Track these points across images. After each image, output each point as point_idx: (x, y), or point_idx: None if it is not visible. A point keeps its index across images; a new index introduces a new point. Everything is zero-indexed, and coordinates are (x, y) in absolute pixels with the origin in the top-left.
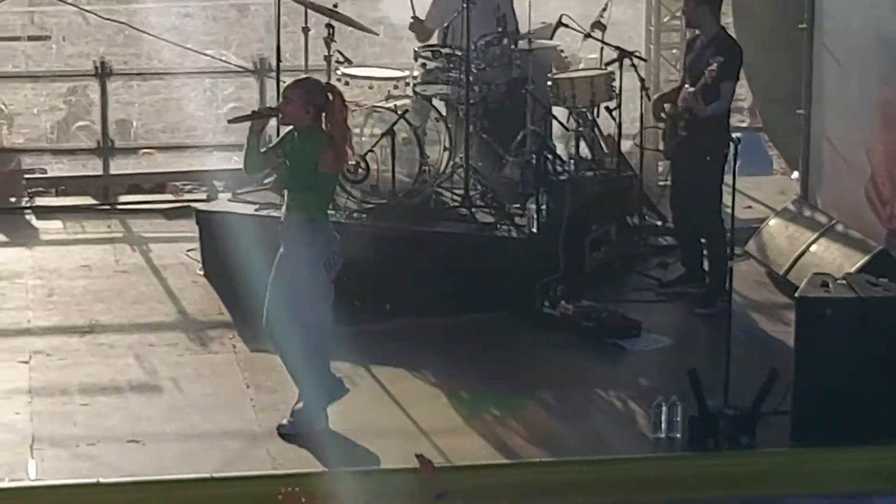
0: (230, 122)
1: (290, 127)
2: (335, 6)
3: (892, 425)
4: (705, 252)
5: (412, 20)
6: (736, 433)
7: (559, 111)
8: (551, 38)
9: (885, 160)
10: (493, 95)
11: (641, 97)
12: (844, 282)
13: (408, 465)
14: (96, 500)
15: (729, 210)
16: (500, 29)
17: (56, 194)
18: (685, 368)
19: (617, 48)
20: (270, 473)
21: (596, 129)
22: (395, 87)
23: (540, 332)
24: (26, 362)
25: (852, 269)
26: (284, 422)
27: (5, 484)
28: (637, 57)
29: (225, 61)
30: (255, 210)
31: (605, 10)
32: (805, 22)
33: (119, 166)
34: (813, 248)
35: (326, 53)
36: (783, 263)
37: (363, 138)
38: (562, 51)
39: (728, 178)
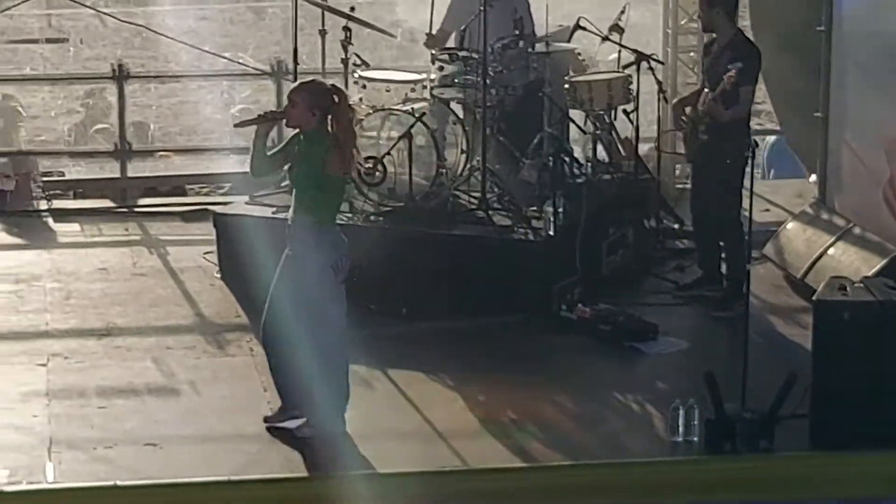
0: (236, 125)
1: (296, 130)
2: (352, 9)
3: None
4: (723, 255)
5: (427, 37)
6: (753, 437)
7: (576, 114)
8: (569, 41)
9: None
10: (510, 98)
11: (659, 100)
12: (862, 285)
13: (425, 469)
14: (114, 503)
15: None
16: (517, 32)
17: (73, 197)
18: (702, 372)
19: (634, 51)
20: (287, 476)
21: (613, 133)
22: (413, 90)
23: (557, 335)
24: (44, 365)
25: (870, 273)
26: (302, 425)
27: (23, 486)
28: (654, 60)
29: (242, 64)
30: (273, 213)
31: (622, 13)
32: (823, 24)
33: (136, 169)
34: (830, 251)
35: (343, 56)
36: (801, 267)
37: (380, 141)
38: (579, 54)
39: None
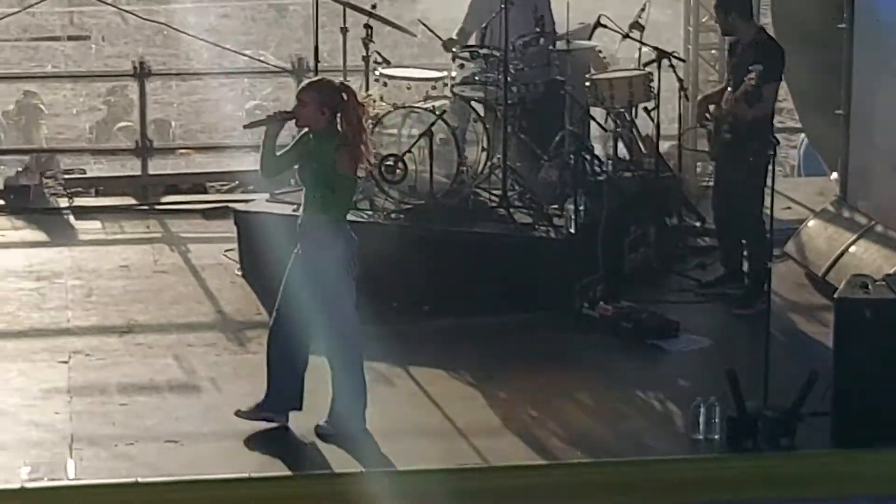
0: (245, 127)
1: (305, 129)
2: (374, 7)
3: None
4: (745, 253)
5: (444, 43)
6: (775, 435)
7: (597, 112)
8: (589, 39)
9: None
10: (531, 96)
11: (680, 98)
12: (884, 283)
13: (445, 466)
14: (134, 500)
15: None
16: (538, 29)
17: (95, 195)
18: (724, 369)
19: (655, 49)
20: (308, 474)
21: (634, 130)
22: (434, 88)
23: (579, 332)
24: (66, 362)
25: (891, 271)
26: (323, 422)
27: (44, 483)
28: (675, 57)
29: (263, 62)
30: (293, 210)
31: (643, 10)
32: (845, 21)
33: (157, 166)
34: (852, 249)
35: (364, 54)
36: (822, 265)
37: (401, 139)
38: (600, 51)
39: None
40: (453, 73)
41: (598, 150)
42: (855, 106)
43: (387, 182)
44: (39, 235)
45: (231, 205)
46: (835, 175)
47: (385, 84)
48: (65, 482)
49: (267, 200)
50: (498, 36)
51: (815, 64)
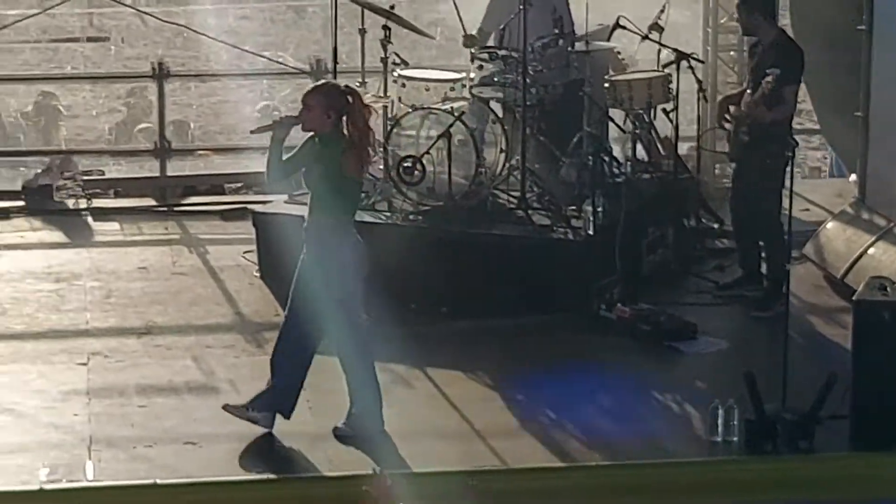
0: (252, 132)
1: (311, 133)
2: (392, 8)
3: None
4: (763, 255)
5: (464, 38)
6: (794, 437)
7: (616, 113)
8: (608, 40)
9: None
10: (549, 97)
11: (699, 99)
12: None
13: (463, 468)
14: (153, 502)
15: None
16: (556, 31)
17: (114, 196)
18: (742, 371)
19: (674, 50)
20: (327, 475)
21: (653, 132)
22: (452, 89)
23: (596, 334)
24: (84, 364)
25: None
26: (341, 424)
27: (63, 485)
28: (694, 59)
29: (282, 63)
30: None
31: (662, 11)
32: (864, 23)
33: (176, 168)
34: (871, 251)
35: (383, 55)
36: (841, 267)
37: (419, 140)
38: (619, 52)
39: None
40: (472, 75)
41: (616, 152)
42: (874, 108)
43: (405, 183)
44: (58, 237)
45: (249, 206)
46: (853, 177)
47: (403, 85)
48: (83, 484)
49: (285, 202)
50: (516, 37)
51: (834, 65)
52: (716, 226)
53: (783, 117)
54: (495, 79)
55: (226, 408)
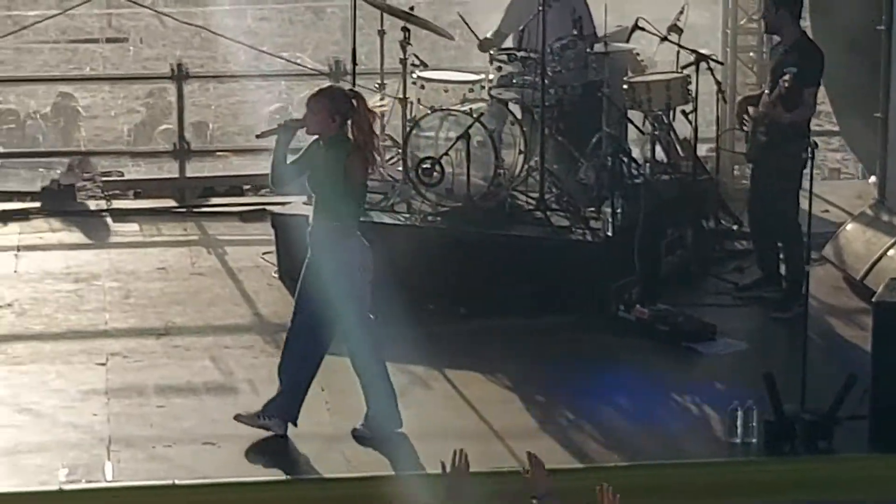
0: (258, 136)
1: (315, 137)
2: (411, 9)
3: None
4: (782, 256)
5: (480, 43)
6: (813, 438)
7: (635, 115)
8: (627, 42)
9: None
10: (568, 98)
11: (717, 101)
12: None
13: (481, 469)
14: (171, 502)
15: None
16: (575, 32)
17: (133, 197)
18: (761, 373)
19: (693, 51)
20: (346, 476)
21: (672, 133)
22: (471, 91)
23: (615, 335)
24: (103, 364)
25: None
26: (359, 425)
27: (82, 485)
28: (713, 60)
29: (300, 64)
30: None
31: (681, 13)
32: (883, 23)
33: (195, 169)
34: (890, 252)
35: (402, 56)
36: (860, 268)
37: (438, 142)
38: (637, 54)
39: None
40: (490, 76)
41: (635, 153)
42: (893, 109)
43: (424, 185)
44: (77, 237)
45: (268, 207)
46: (873, 178)
47: (422, 87)
48: (102, 484)
49: (304, 203)
50: (535, 38)
51: (853, 66)
52: (735, 227)
53: (802, 119)
54: (514, 80)
55: (237, 418)
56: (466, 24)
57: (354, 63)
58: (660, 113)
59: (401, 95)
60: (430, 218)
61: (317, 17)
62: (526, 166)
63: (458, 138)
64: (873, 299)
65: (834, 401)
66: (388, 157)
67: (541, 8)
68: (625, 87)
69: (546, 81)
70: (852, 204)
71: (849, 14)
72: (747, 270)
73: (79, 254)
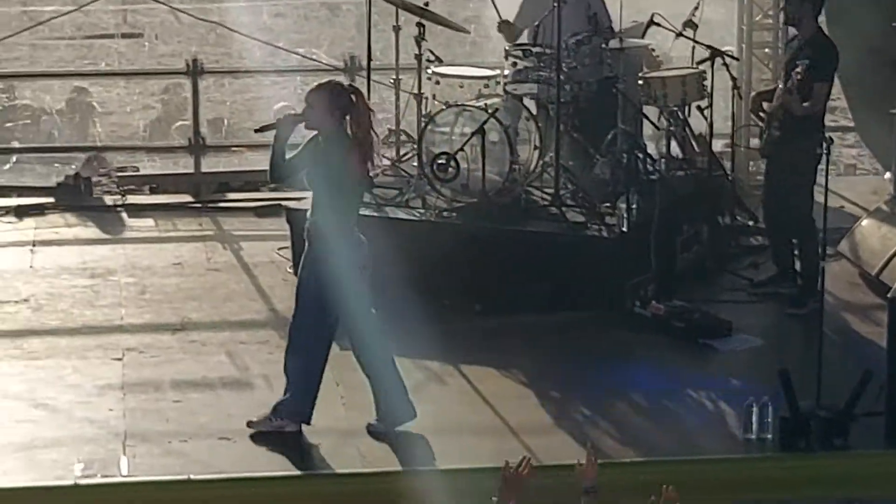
0: (256, 131)
1: (315, 133)
2: (426, 5)
3: None
4: (797, 252)
5: (500, 23)
6: (828, 435)
7: (650, 110)
8: (643, 37)
9: None
10: (583, 94)
11: (733, 96)
12: None
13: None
14: (187, 497)
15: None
16: (591, 27)
17: (149, 192)
18: (777, 369)
19: (709, 47)
20: (360, 472)
21: (687, 129)
22: (486, 86)
23: (630, 331)
24: (119, 359)
25: None
26: (374, 420)
27: (98, 479)
28: (729, 56)
29: (315, 60)
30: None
31: (696, 8)
32: None
33: (210, 164)
34: None
35: (417, 52)
36: (876, 264)
37: (453, 137)
38: (653, 50)
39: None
40: (506, 72)
41: (650, 149)
42: None
43: (439, 180)
44: (93, 233)
45: (283, 203)
46: (888, 174)
47: (437, 82)
48: (118, 479)
49: None
50: (550, 34)
51: (869, 62)
52: (750, 223)
53: (813, 112)
54: (529, 76)
55: (250, 424)
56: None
57: (370, 59)
58: (675, 109)
59: (416, 91)
60: (445, 214)
61: (332, 13)
62: (541, 162)
63: (473, 134)
64: (889, 295)
65: (850, 397)
66: (403, 152)
67: (556, 4)
68: (640, 82)
69: (561, 77)
70: (868, 200)
71: (864, 10)
72: (762, 266)
73: (94, 249)
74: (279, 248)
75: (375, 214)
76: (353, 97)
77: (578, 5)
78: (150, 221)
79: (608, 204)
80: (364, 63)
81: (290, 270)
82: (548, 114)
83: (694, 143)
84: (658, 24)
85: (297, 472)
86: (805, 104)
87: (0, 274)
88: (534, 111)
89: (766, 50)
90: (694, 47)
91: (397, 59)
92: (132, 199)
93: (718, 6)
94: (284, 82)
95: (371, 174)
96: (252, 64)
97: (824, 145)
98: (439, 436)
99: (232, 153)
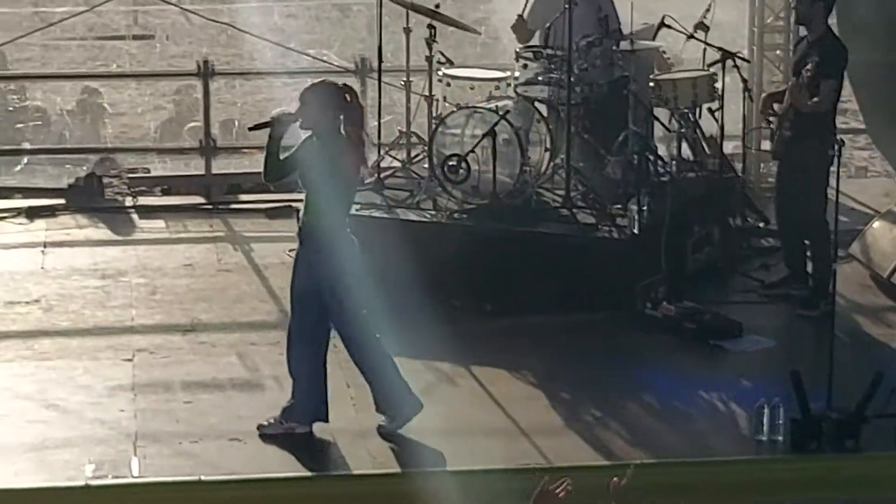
0: (250, 129)
1: (309, 133)
2: (437, 6)
3: None
4: (809, 254)
5: (518, 17)
6: (840, 436)
7: (661, 112)
8: (653, 39)
9: None
10: (594, 96)
11: (744, 98)
12: None
13: (507, 466)
14: (197, 498)
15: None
16: (602, 29)
17: (160, 193)
18: (788, 370)
19: (720, 49)
20: (371, 473)
21: (698, 131)
22: (497, 88)
23: (641, 333)
24: (130, 360)
25: None
26: (382, 422)
27: (109, 480)
28: (740, 58)
29: (326, 61)
30: (356, 210)
31: (707, 10)
32: None
33: (221, 166)
34: None
35: (428, 54)
36: (887, 266)
37: (464, 139)
38: (664, 51)
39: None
40: (516, 74)
41: (661, 151)
42: None
43: (450, 182)
44: (104, 234)
45: (294, 204)
46: None
47: (448, 84)
48: (129, 480)
49: None
50: (561, 36)
51: (880, 65)
52: (761, 225)
53: (821, 110)
54: (540, 77)
55: (260, 428)
56: None
57: (380, 60)
58: (686, 111)
59: (427, 93)
60: (455, 215)
61: (343, 14)
62: (552, 164)
63: (483, 135)
64: None
65: (861, 399)
66: (414, 154)
67: (567, 6)
68: (651, 84)
69: (572, 79)
70: (879, 202)
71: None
72: (774, 268)
73: (105, 250)
74: (290, 250)
75: (386, 216)
76: (347, 97)
77: (589, 7)
78: (160, 223)
79: (619, 205)
80: (375, 65)
81: None
82: (558, 115)
83: (705, 145)
84: (669, 27)
85: (308, 474)
86: (811, 102)
87: (11, 275)
88: (545, 113)
89: (778, 52)
90: (705, 49)
91: (408, 61)
92: (143, 200)
93: (730, 8)
94: (295, 84)
95: (364, 173)
96: (263, 65)
97: (835, 147)
98: (450, 437)
99: (243, 154)
